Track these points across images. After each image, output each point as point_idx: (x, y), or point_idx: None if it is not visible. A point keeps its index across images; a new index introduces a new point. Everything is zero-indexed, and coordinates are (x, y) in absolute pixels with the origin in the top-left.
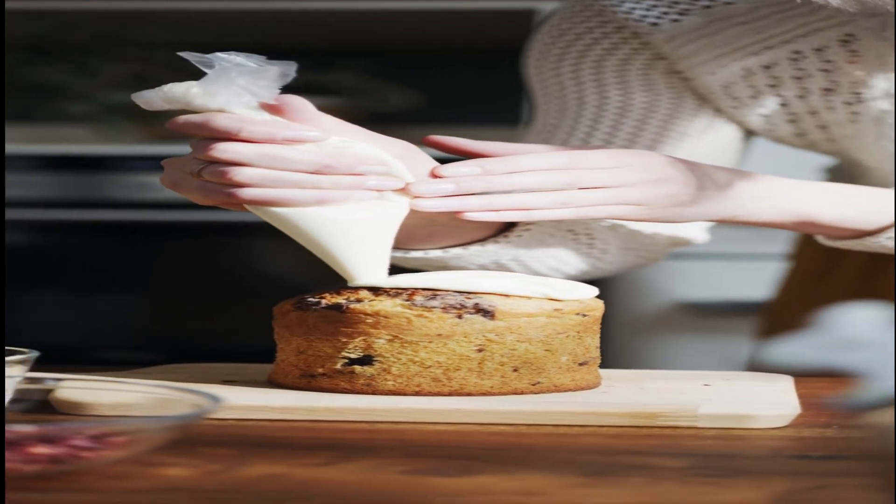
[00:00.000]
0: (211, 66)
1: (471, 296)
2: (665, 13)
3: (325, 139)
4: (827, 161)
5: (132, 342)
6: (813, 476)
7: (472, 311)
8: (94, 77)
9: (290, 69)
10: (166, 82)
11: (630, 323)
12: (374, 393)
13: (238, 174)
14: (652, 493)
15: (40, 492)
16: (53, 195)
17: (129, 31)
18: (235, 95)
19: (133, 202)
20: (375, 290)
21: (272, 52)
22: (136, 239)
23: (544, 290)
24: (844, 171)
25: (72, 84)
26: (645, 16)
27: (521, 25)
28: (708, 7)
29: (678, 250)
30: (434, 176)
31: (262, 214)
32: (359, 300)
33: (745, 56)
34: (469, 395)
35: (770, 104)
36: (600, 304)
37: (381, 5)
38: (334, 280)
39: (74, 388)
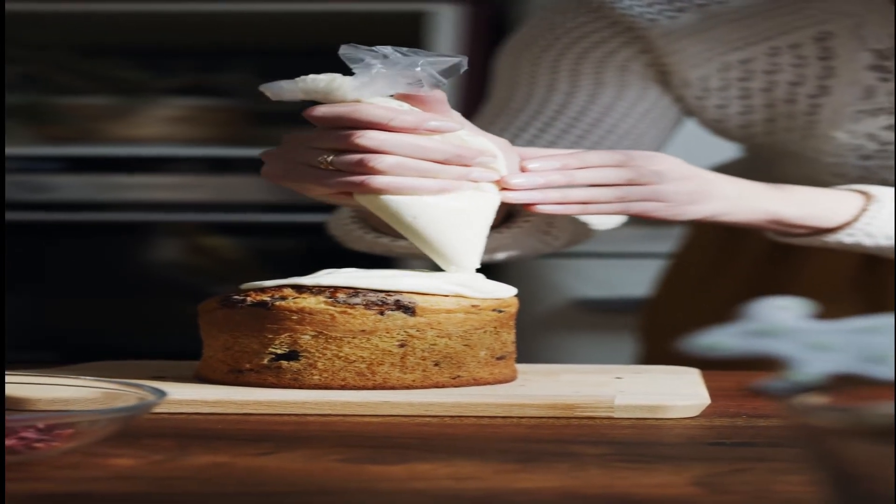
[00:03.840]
0: (357, 61)
1: (391, 293)
2: (663, 10)
3: (459, 130)
4: (720, 158)
5: (25, 342)
6: (728, 461)
7: (394, 307)
8: None
9: (461, 62)
10: (56, 82)
11: (528, 320)
12: (300, 387)
13: (380, 162)
14: (579, 478)
15: None
16: None
17: (17, 32)
18: (383, 87)
19: (27, 203)
20: (299, 289)
21: (161, 54)
22: (30, 239)
23: (460, 290)
24: (746, 165)
25: None
26: (643, 12)
27: (410, 27)
28: (703, 5)
29: (571, 249)
30: (523, 170)
31: (364, 201)
32: (283, 297)
33: (729, 51)
34: (392, 388)
35: (732, 96)
36: (515, 300)
37: (268, 7)
38: (225, 283)
39: (14, 384)
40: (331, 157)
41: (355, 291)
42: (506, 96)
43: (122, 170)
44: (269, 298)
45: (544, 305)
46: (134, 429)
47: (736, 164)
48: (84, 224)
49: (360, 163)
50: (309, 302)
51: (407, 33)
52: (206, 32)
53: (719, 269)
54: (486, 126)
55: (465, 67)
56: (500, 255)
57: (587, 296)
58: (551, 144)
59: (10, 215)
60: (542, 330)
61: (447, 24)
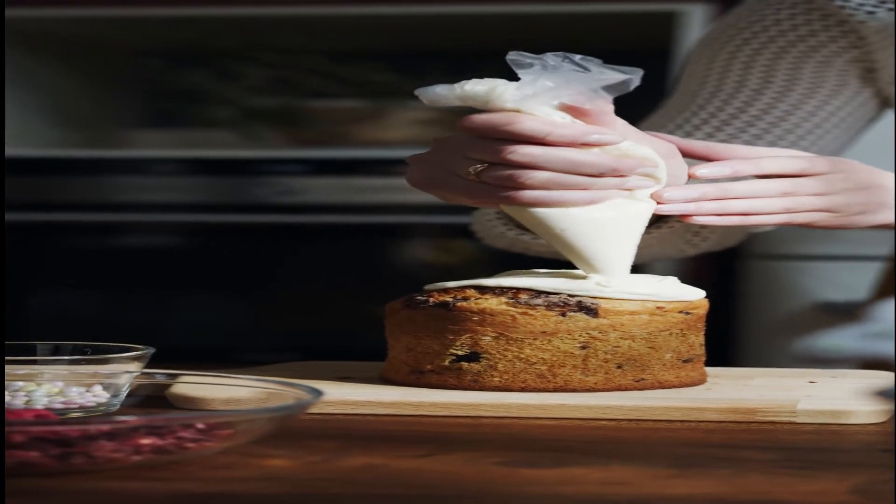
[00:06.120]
0: (524, 67)
1: (574, 294)
2: (883, 2)
3: (620, 143)
4: None
5: (276, 343)
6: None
7: (576, 308)
8: (235, 82)
9: (632, 79)
10: (306, 86)
11: (769, 324)
12: (480, 389)
13: (532, 178)
14: (736, 484)
15: (145, 480)
16: (196, 199)
17: (268, 37)
18: (546, 98)
19: (276, 206)
20: (481, 289)
21: (411, 56)
22: (281, 241)
23: (647, 294)
24: None
25: (213, 89)
26: (862, 4)
27: (663, 28)
28: None
29: (815, 252)
30: (690, 176)
31: (511, 211)
32: (465, 298)
33: None
34: (574, 391)
35: None
36: (705, 302)
37: (518, 9)
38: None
39: (189, 383)
40: (479, 169)
41: (537, 293)
42: (693, 91)
43: (372, 172)
44: (451, 299)
45: (785, 309)
46: (301, 429)
47: None
48: (333, 226)
49: (510, 178)
50: (490, 303)
51: (658, 33)
52: (455, 35)
53: None
54: (666, 122)
55: (637, 83)
56: (644, 257)
57: (830, 299)
58: (726, 142)
59: (261, 217)
60: (784, 333)
61: (698, 24)
